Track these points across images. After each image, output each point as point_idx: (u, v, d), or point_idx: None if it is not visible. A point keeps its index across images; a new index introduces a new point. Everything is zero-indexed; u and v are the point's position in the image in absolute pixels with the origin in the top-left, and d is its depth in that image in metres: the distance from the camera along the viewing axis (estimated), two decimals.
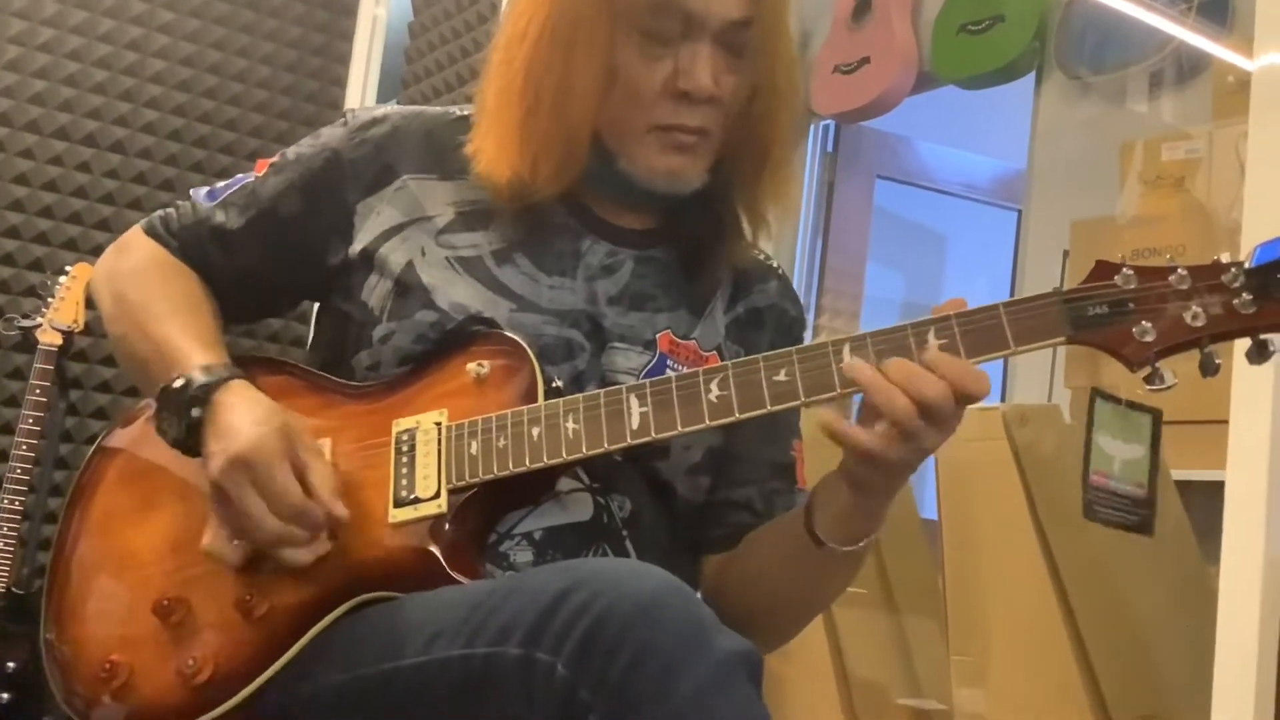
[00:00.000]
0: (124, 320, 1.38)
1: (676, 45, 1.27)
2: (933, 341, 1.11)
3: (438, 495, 1.21)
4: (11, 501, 2.94)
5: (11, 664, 2.91)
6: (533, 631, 1.02)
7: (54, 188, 3.37)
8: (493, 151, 1.31)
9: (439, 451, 1.23)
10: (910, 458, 1.14)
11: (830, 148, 3.93)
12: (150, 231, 1.43)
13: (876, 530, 1.21)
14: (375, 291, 1.33)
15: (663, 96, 1.28)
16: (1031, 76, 3.09)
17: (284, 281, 1.43)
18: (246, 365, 1.31)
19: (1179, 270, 1.08)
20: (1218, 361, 1.08)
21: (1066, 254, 2.82)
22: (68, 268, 3.16)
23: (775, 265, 1.49)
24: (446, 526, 1.20)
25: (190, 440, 1.24)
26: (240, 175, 1.44)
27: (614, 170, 1.33)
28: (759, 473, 1.38)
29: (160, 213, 1.45)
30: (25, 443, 2.96)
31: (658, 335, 1.34)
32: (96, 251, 3.31)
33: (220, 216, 1.40)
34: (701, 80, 1.26)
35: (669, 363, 1.33)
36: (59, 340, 3.06)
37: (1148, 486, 1.98)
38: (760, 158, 1.34)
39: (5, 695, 2.89)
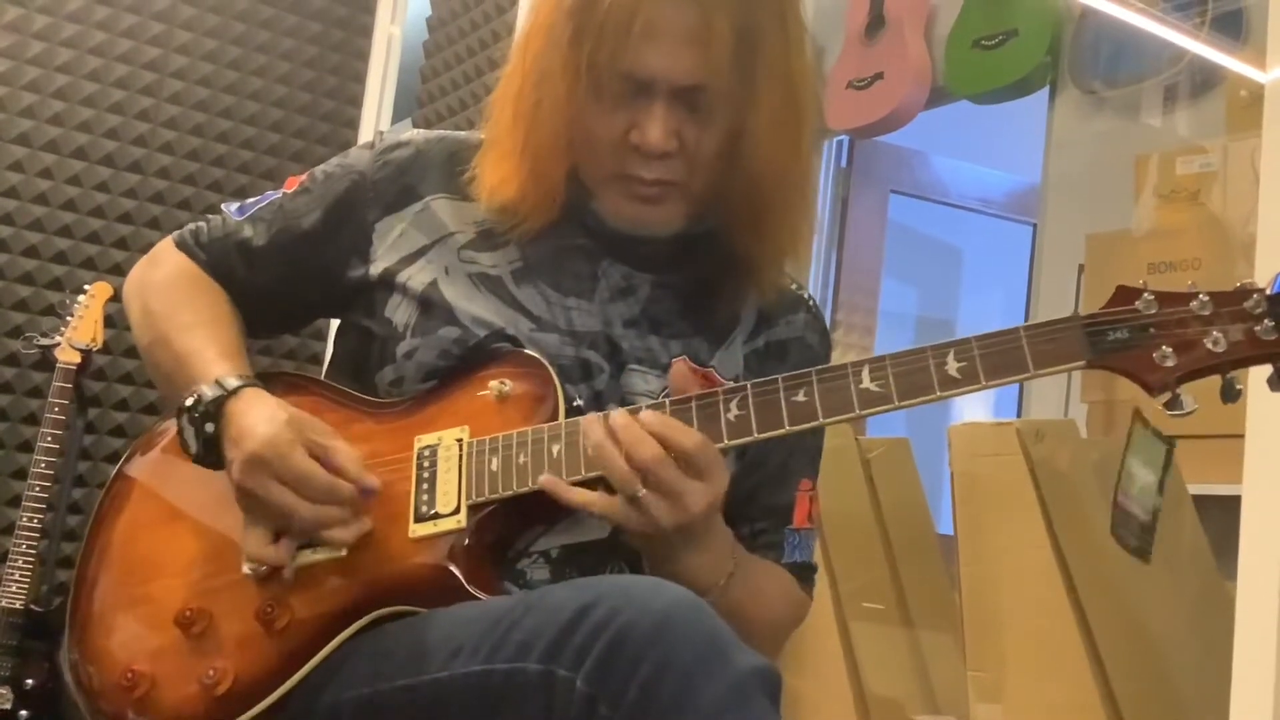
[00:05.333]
0: (150, 331, 1.41)
1: (634, 101, 1.27)
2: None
3: (458, 511, 1.22)
4: (30, 519, 2.94)
5: (30, 681, 2.91)
6: (552, 647, 1.03)
7: (72, 207, 3.39)
8: (489, 179, 1.33)
9: (460, 468, 1.24)
10: (652, 527, 1.15)
11: (844, 163, 3.94)
12: (180, 244, 1.46)
13: (703, 585, 1.18)
14: (399, 308, 1.35)
15: (620, 148, 1.29)
16: (1045, 91, 3.09)
17: (304, 298, 1.45)
18: (270, 381, 1.33)
19: (1200, 296, 1.08)
20: (1239, 388, 1.08)
21: (1082, 268, 2.82)
22: (86, 286, 3.17)
23: (806, 297, 1.47)
24: (466, 542, 1.21)
25: (210, 456, 1.26)
26: (270, 191, 1.47)
27: (589, 209, 1.35)
28: (752, 511, 1.38)
29: (191, 225, 1.48)
30: (44, 460, 2.97)
31: (674, 360, 1.34)
32: (114, 270, 3.35)
33: (248, 231, 1.43)
34: (651, 137, 1.26)
35: None
36: (77, 359, 3.07)
37: (1151, 513, 1.97)
38: (752, 200, 1.31)
39: (24, 713, 2.89)
